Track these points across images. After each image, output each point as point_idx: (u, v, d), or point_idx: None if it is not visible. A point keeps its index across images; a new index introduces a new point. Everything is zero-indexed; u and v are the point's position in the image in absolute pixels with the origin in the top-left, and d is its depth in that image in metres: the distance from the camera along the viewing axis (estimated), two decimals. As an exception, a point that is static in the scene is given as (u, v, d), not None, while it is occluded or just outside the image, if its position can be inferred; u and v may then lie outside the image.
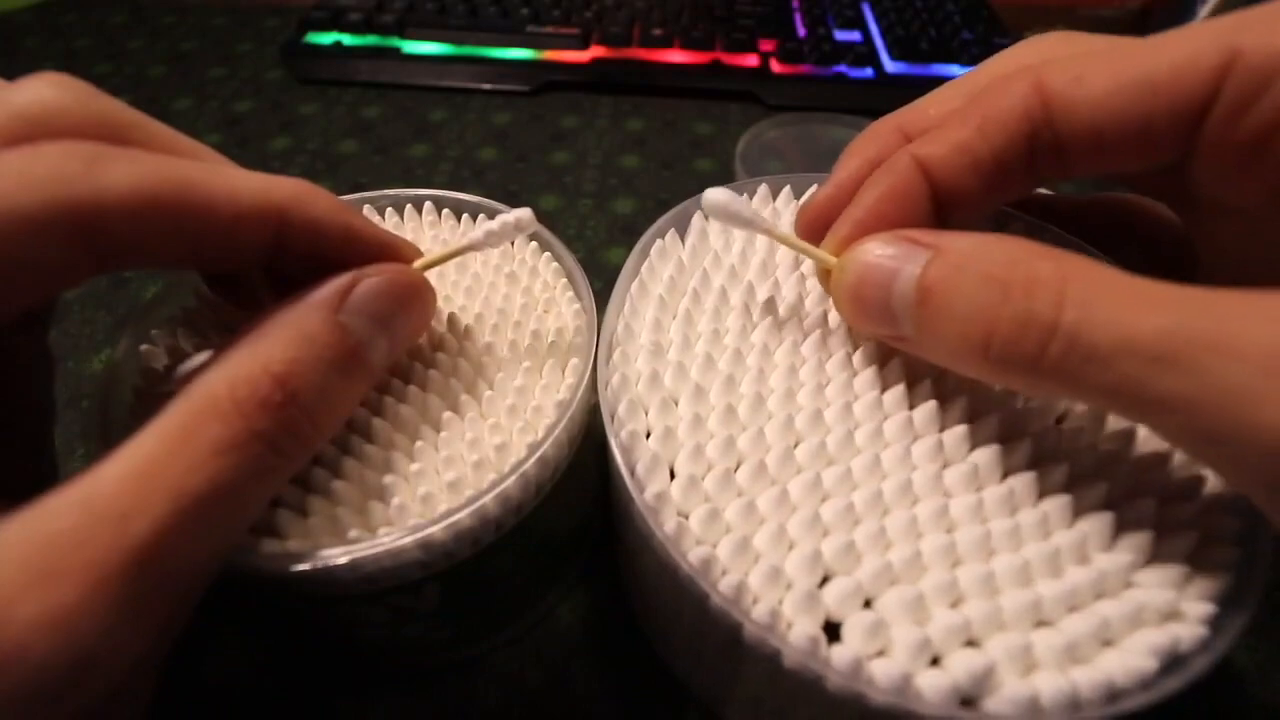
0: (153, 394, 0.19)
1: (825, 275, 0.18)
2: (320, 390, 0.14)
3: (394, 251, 0.17)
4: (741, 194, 0.18)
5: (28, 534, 0.11)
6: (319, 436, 0.15)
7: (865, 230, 0.16)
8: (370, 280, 0.16)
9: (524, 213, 0.18)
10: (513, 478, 0.16)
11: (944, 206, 0.16)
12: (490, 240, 0.18)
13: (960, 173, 0.16)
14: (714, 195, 0.17)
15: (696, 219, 0.22)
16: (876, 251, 0.15)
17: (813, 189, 0.23)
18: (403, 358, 0.19)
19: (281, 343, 0.14)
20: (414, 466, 0.17)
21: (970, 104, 0.16)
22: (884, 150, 0.18)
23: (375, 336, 0.15)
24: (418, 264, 0.17)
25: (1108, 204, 0.21)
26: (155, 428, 0.13)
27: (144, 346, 0.20)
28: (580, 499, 0.23)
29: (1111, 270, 0.13)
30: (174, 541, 0.12)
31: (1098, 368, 0.12)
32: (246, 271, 0.17)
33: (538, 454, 0.17)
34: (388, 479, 0.17)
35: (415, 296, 0.17)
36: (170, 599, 0.12)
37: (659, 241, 0.21)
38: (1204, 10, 0.48)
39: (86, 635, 0.11)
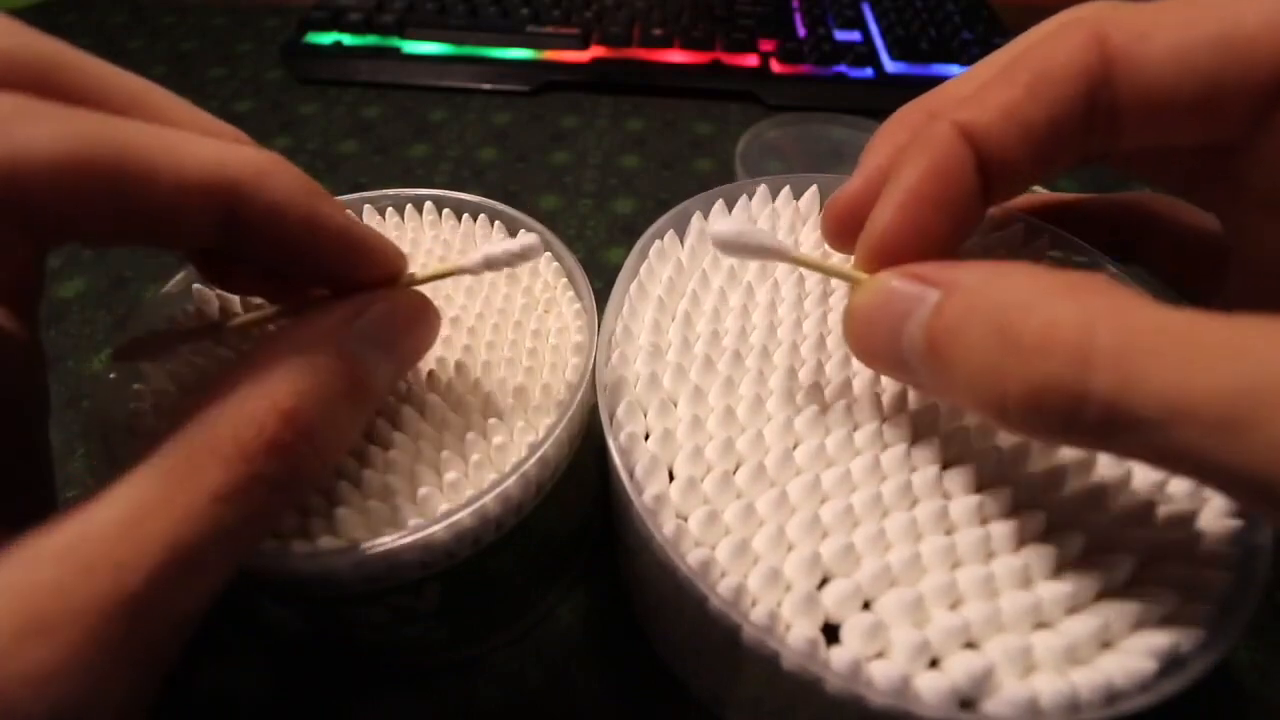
0: (155, 396, 0.19)
1: (835, 236, 0.17)
2: (329, 424, 0.13)
3: (362, 247, 0.15)
4: (746, 213, 0.16)
5: (14, 583, 0.10)
6: (325, 471, 0.14)
7: (908, 219, 0.14)
8: (378, 306, 0.15)
9: (530, 242, 0.16)
10: (513, 478, 0.17)
11: (991, 181, 0.14)
12: (491, 266, 0.17)
13: (1010, 140, 0.14)
14: (722, 229, 0.15)
15: (695, 219, 0.22)
16: (882, 291, 0.14)
17: (812, 189, 0.23)
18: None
19: (288, 377, 0.13)
20: (415, 466, 0.17)
21: (1019, 60, 0.14)
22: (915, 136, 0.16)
23: (381, 363, 0.15)
24: (409, 280, 0.17)
25: (1126, 205, 0.20)
26: (151, 468, 0.12)
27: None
28: (580, 499, 0.23)
29: (1147, 305, 0.11)
30: (166, 592, 0.11)
31: (1146, 436, 0.10)
32: (236, 255, 0.16)
33: (538, 454, 0.17)
34: (389, 479, 0.17)
35: (421, 320, 0.16)
36: (159, 647, 0.12)
37: (658, 243, 0.21)
38: None
39: (75, 690, 0.10)
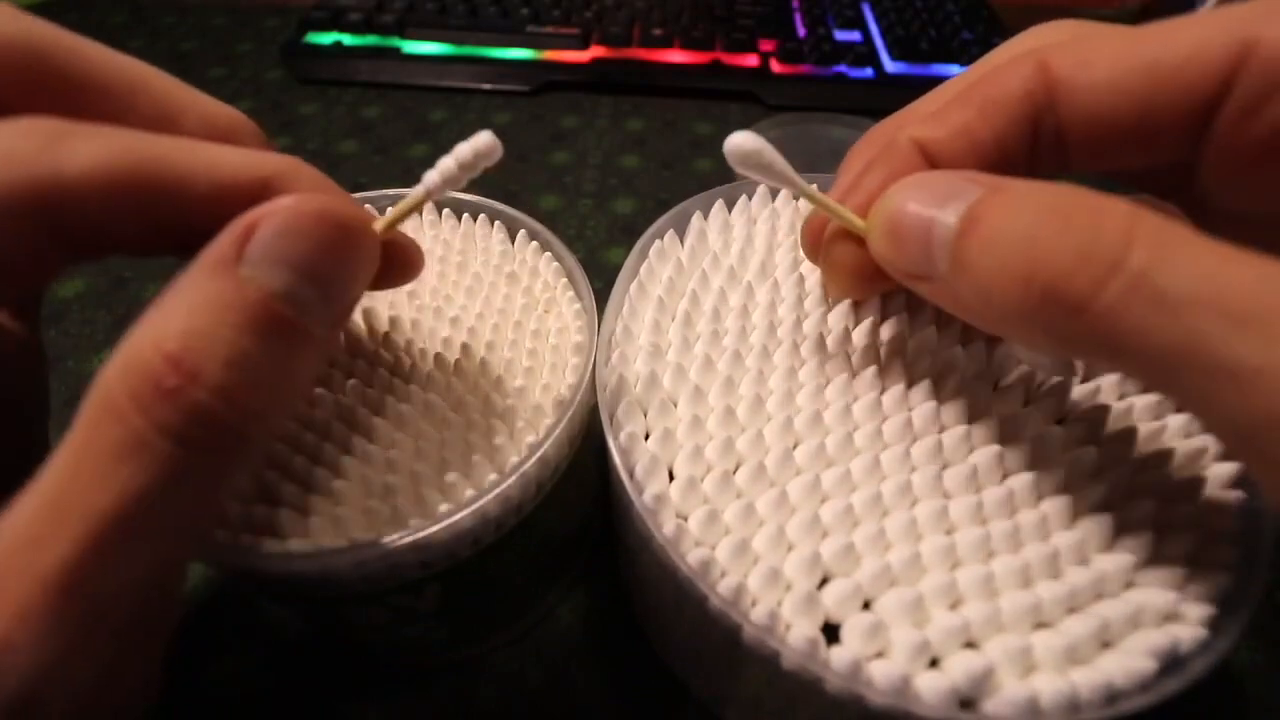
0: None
1: (813, 251, 0.18)
2: (233, 364, 0.11)
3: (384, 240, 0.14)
4: (759, 144, 0.15)
5: None
6: (249, 419, 0.12)
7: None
8: (274, 218, 0.12)
9: (482, 138, 0.14)
10: (513, 478, 0.17)
11: None
12: (450, 180, 0.15)
13: (960, 156, 0.15)
14: (740, 141, 0.15)
15: (695, 219, 0.22)
16: (927, 181, 0.14)
17: (811, 189, 0.23)
18: (404, 357, 0.19)
19: (172, 315, 0.11)
20: (415, 466, 0.17)
21: (972, 87, 0.15)
22: None
23: (298, 288, 0.12)
24: (376, 224, 0.15)
25: None
26: (65, 441, 0.11)
27: None
28: (580, 499, 0.23)
29: (1184, 223, 0.11)
30: (97, 563, 0.11)
31: (1163, 319, 0.10)
32: None
33: (538, 454, 0.17)
34: (389, 479, 0.17)
35: (340, 232, 0.13)
36: (114, 619, 0.11)
37: (657, 243, 0.21)
38: (1205, 9, 0.48)
39: (17, 668, 0.10)
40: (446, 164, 0.14)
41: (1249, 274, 0.10)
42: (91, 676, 0.11)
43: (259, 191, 0.13)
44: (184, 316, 0.11)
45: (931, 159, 0.15)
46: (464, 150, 0.14)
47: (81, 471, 0.11)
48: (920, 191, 0.14)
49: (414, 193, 0.15)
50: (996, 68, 0.15)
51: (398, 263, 0.16)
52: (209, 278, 0.12)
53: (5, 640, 0.10)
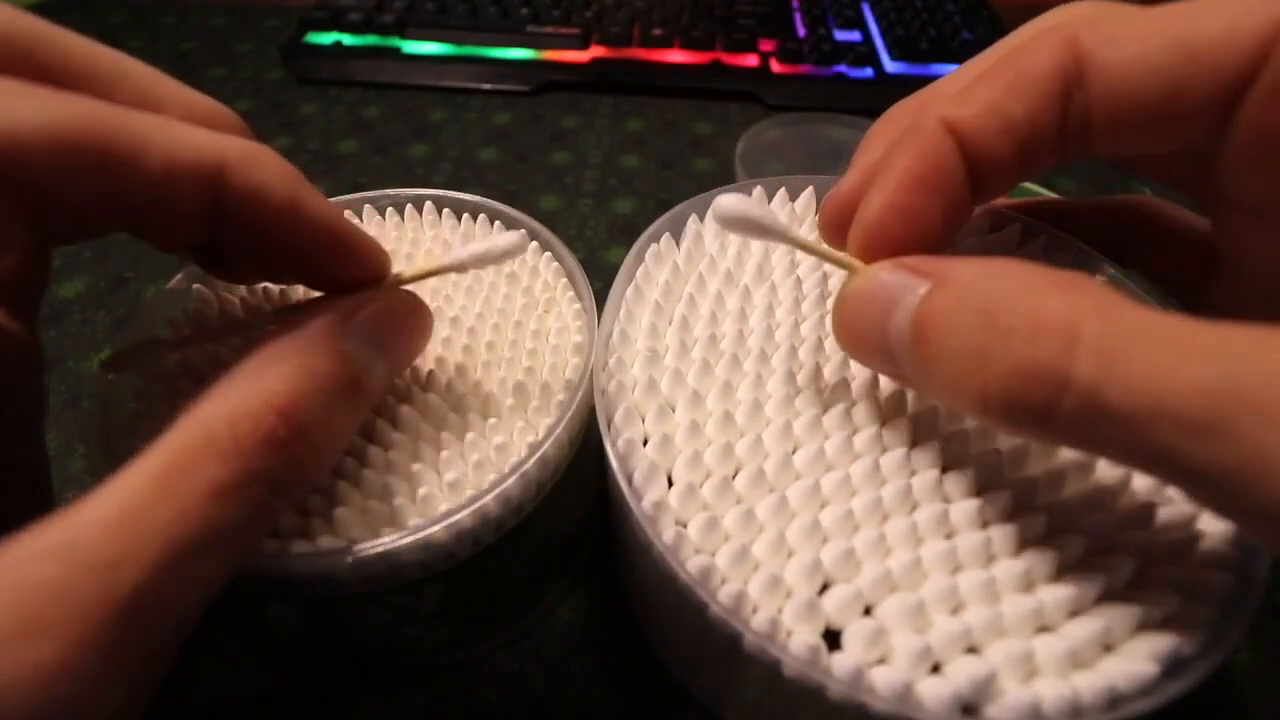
0: (155, 396, 0.19)
1: (831, 231, 0.17)
2: (325, 422, 0.13)
3: (345, 240, 0.16)
4: (750, 194, 0.16)
5: (9, 582, 0.10)
6: (321, 470, 0.14)
7: (897, 207, 0.14)
8: (374, 306, 0.15)
9: (514, 239, 0.17)
10: (513, 478, 0.16)
11: (977, 175, 0.15)
12: (476, 263, 0.17)
13: (994, 136, 0.14)
14: (728, 204, 0.15)
15: (692, 222, 0.22)
16: (874, 280, 0.14)
17: (808, 190, 0.23)
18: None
19: (284, 375, 0.13)
20: (415, 466, 0.17)
21: (1001, 62, 0.15)
22: None
23: (375, 362, 0.15)
24: (397, 280, 0.17)
25: (1121, 207, 0.20)
26: (146, 464, 0.11)
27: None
28: (581, 499, 0.23)
29: (1135, 306, 0.11)
30: (162, 591, 0.11)
31: (1123, 433, 0.10)
32: (225, 251, 0.16)
33: (538, 454, 0.17)
34: (389, 479, 0.17)
35: (415, 320, 0.17)
36: (156, 646, 0.12)
37: (654, 246, 0.21)
38: None
39: (69, 691, 0.10)
40: (477, 250, 0.17)
41: (1199, 374, 0.10)
42: (124, 699, 0.11)
43: (215, 174, 0.13)
44: (294, 378, 0.13)
45: (962, 139, 0.14)
46: (498, 243, 0.16)
47: (167, 500, 0.11)
48: (870, 298, 0.14)
49: (441, 261, 0.17)
50: (1023, 44, 0.14)
51: None
52: (313, 346, 0.14)
53: (66, 663, 0.10)
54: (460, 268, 0.17)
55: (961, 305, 0.12)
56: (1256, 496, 0.09)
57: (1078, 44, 0.14)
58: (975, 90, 0.14)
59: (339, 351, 0.14)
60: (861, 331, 0.14)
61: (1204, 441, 0.09)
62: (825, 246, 0.16)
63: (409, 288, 0.17)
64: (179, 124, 0.13)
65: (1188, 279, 0.19)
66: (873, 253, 0.15)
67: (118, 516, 0.11)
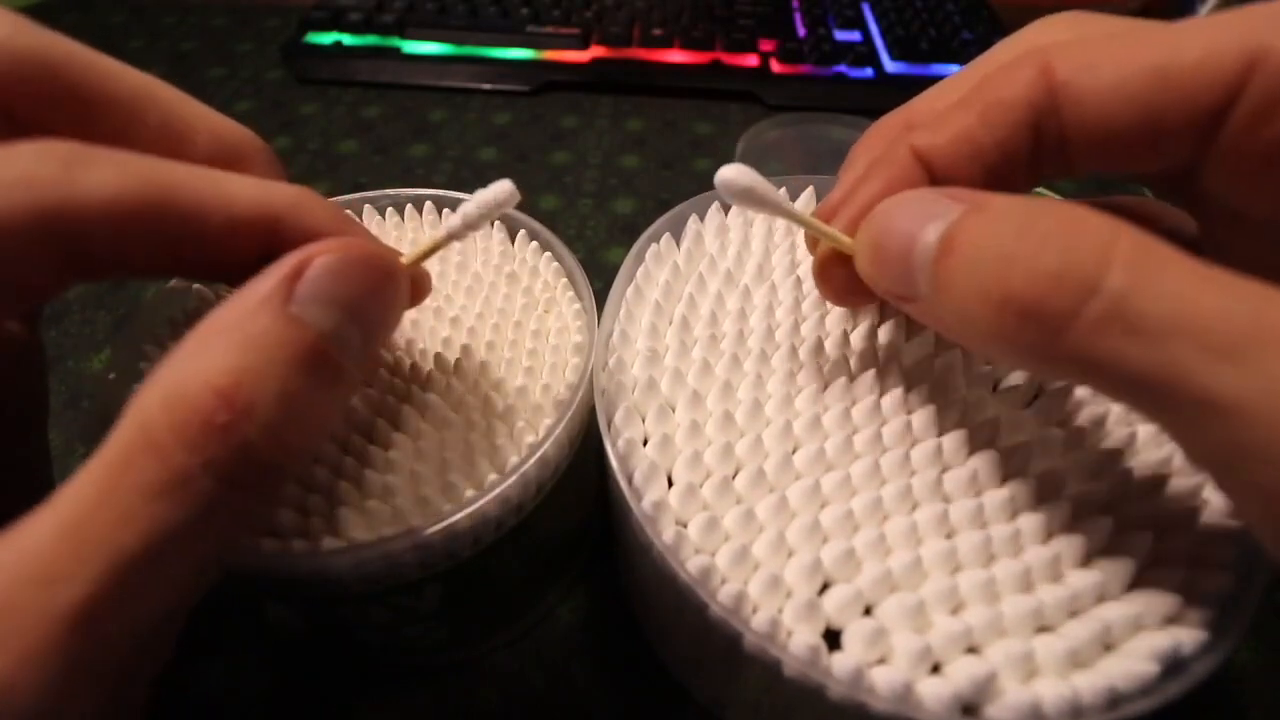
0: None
1: (822, 263, 0.17)
2: (280, 401, 0.11)
3: (396, 276, 0.15)
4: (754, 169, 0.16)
5: None
6: (289, 456, 0.12)
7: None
8: (323, 259, 0.12)
9: (502, 187, 0.15)
10: (513, 478, 0.16)
11: None
12: (471, 224, 0.16)
13: (961, 163, 0.15)
14: (731, 175, 0.15)
15: (692, 222, 0.22)
16: (909, 196, 0.14)
17: (808, 190, 0.23)
18: (404, 357, 0.19)
19: (223, 349, 0.11)
20: (415, 466, 0.17)
21: (973, 91, 0.15)
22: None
23: (342, 327, 0.13)
24: (403, 259, 0.15)
25: (1115, 209, 0.20)
26: (89, 470, 0.11)
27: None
28: (580, 499, 0.23)
29: (1167, 243, 0.11)
30: (114, 602, 0.10)
31: (1141, 346, 0.10)
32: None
33: (538, 454, 0.17)
34: (389, 479, 0.17)
35: (382, 275, 0.14)
36: (121, 654, 0.11)
37: (654, 246, 0.21)
38: (1204, 10, 0.48)
39: (23, 704, 0.10)
40: (468, 209, 0.15)
41: (1228, 301, 0.10)
42: (93, 708, 0.11)
43: (272, 224, 0.13)
44: (235, 353, 0.11)
45: (931, 167, 0.15)
46: (485, 196, 0.15)
47: (108, 505, 0.10)
48: (902, 211, 0.14)
49: (436, 235, 0.16)
50: (998, 70, 0.15)
51: (410, 290, 0.17)
52: (258, 315, 0.12)
53: (7, 682, 0.10)
54: (458, 235, 0.16)
55: (999, 219, 0.12)
56: (1251, 432, 0.09)
57: (1052, 73, 0.14)
58: (948, 120, 0.15)
59: (288, 315, 0.12)
60: (885, 247, 0.14)
61: (1225, 365, 0.09)
62: (820, 223, 0.16)
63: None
64: (229, 177, 0.13)
65: None
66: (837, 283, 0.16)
67: (58, 529, 0.10)
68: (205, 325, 0.12)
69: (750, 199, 0.15)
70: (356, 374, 0.13)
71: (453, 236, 0.16)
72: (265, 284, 0.12)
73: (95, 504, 0.10)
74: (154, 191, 0.12)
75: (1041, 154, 0.14)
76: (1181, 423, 0.11)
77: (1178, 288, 0.10)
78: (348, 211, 0.15)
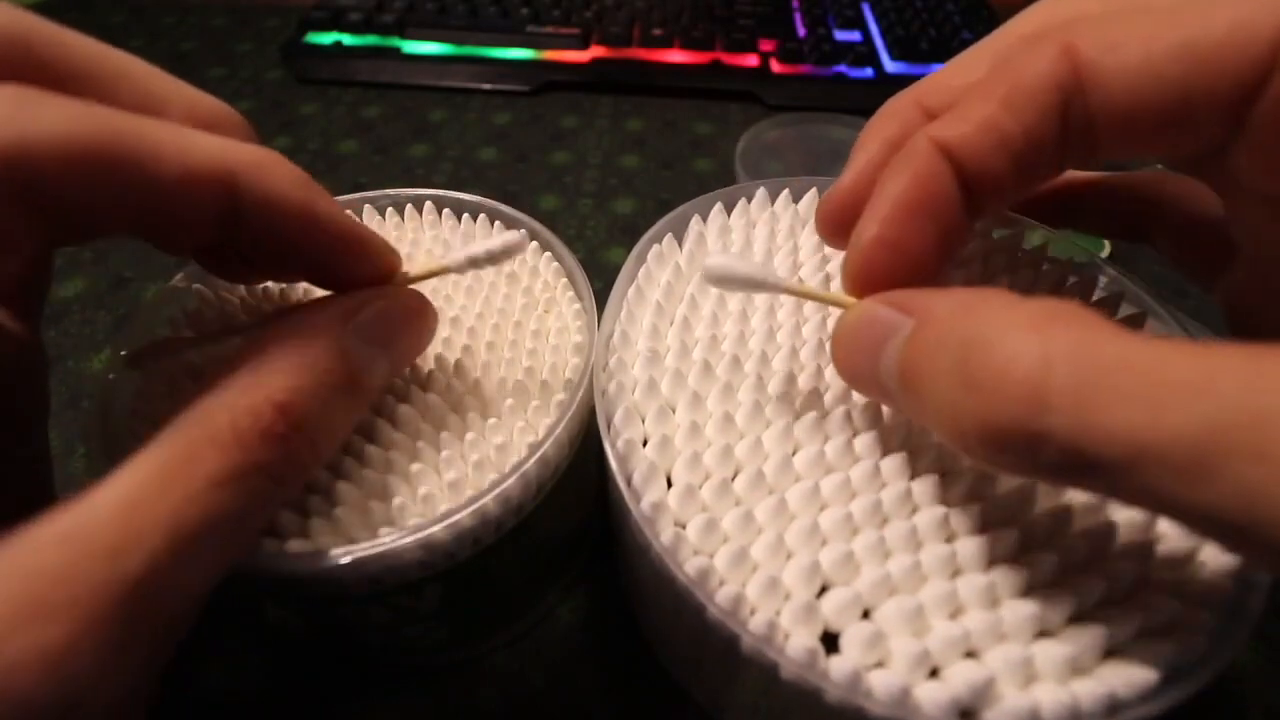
0: (155, 396, 0.19)
1: (830, 232, 0.17)
2: (322, 417, 0.14)
3: (356, 241, 0.16)
4: (744, 255, 0.17)
5: (14, 568, 0.10)
6: (318, 462, 0.15)
7: (890, 237, 0.14)
8: (376, 304, 0.15)
9: (514, 238, 0.17)
10: (513, 478, 0.17)
11: (974, 195, 0.14)
12: (474, 265, 0.17)
13: (989, 154, 0.14)
14: (717, 264, 0.16)
15: (694, 223, 0.22)
16: (861, 318, 0.14)
17: (811, 192, 0.23)
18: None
19: (284, 371, 0.14)
20: (415, 466, 0.17)
21: (993, 74, 0.14)
22: (905, 129, 0.16)
23: (376, 361, 0.15)
24: (403, 279, 0.17)
25: (1137, 184, 0.19)
26: (150, 455, 0.12)
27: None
28: (581, 499, 0.23)
29: (1116, 338, 0.10)
30: (167, 576, 0.11)
31: (1111, 477, 0.10)
32: (235, 252, 0.16)
33: (538, 454, 0.17)
34: (389, 479, 0.17)
35: (419, 319, 0.17)
36: (161, 631, 0.12)
37: (655, 247, 0.21)
38: None
39: (75, 673, 0.10)
40: (478, 250, 0.17)
41: (1180, 417, 0.09)
42: (128, 686, 0.11)
43: (229, 179, 0.13)
44: (294, 374, 0.13)
45: (956, 160, 0.14)
46: (498, 242, 0.17)
47: (172, 487, 0.12)
48: (859, 339, 0.14)
49: (445, 261, 0.17)
50: (1018, 51, 0.14)
51: None
52: (314, 343, 0.14)
53: (71, 646, 0.10)
54: (461, 268, 0.17)
55: (939, 349, 0.12)
56: (1259, 533, 0.09)
57: (1076, 53, 0.13)
58: (969, 105, 0.14)
59: (340, 349, 0.14)
60: (856, 367, 0.15)
61: (1195, 484, 0.09)
62: (817, 289, 0.16)
63: (414, 287, 0.17)
64: (191, 131, 0.14)
65: (1201, 261, 0.18)
66: (865, 288, 0.15)
67: (122, 505, 0.11)
68: (270, 346, 0.14)
69: (736, 283, 0.16)
70: (376, 394, 0.16)
71: (455, 269, 0.17)
72: (325, 317, 0.15)
73: (158, 487, 0.12)
74: (109, 135, 0.12)
75: (1068, 140, 0.14)
76: (1181, 524, 0.10)
77: (1127, 419, 0.09)
78: (309, 177, 0.15)
